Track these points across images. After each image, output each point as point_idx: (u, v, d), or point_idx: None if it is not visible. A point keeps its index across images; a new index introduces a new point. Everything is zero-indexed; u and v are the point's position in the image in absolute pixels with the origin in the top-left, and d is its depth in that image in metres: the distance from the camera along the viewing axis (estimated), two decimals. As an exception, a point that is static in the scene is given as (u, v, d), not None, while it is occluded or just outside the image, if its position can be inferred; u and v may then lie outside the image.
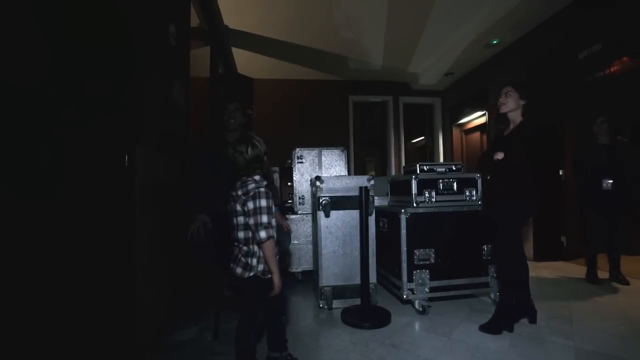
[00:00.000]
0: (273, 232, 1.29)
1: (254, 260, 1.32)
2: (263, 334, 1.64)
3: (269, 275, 1.34)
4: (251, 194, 1.30)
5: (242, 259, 1.34)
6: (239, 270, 1.34)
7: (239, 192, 1.34)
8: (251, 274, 1.32)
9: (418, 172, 2.39)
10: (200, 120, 3.29)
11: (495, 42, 4.03)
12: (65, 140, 1.19)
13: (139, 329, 1.60)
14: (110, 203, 1.45)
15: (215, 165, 1.95)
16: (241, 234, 1.34)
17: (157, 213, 1.88)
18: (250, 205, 1.29)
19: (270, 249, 1.30)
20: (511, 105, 1.96)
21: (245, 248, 1.34)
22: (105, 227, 1.41)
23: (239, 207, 1.32)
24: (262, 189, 1.31)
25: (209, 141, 2.26)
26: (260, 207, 1.27)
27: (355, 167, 5.83)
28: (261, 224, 1.26)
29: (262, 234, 1.26)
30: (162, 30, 2.06)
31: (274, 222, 1.32)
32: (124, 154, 1.55)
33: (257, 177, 1.37)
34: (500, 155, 1.89)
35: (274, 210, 1.33)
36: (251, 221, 1.29)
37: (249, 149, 1.34)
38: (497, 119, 2.05)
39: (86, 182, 1.30)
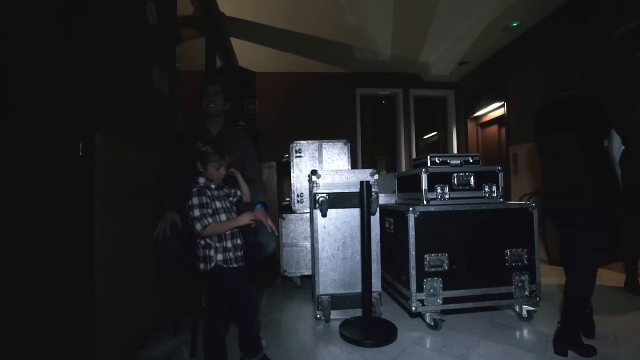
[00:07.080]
0: (208, 220, 1.35)
1: (211, 252, 1.38)
2: (227, 329, 1.66)
3: (234, 265, 1.41)
4: (189, 194, 1.39)
5: (201, 253, 1.39)
6: (202, 266, 1.39)
7: None
8: (212, 264, 1.37)
9: (429, 164, 2.09)
10: (196, 115, 3.08)
11: (515, 24, 3.66)
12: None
13: (98, 343, 1.38)
14: (60, 199, 1.22)
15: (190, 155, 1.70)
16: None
17: (128, 211, 1.65)
18: (187, 205, 1.37)
19: (211, 230, 1.36)
20: None
21: (202, 242, 1.39)
22: (53, 227, 1.18)
23: None
24: (195, 189, 1.39)
25: (188, 129, 2.01)
26: (191, 205, 1.36)
27: (367, 166, 5.53)
28: (194, 218, 1.34)
29: (197, 226, 1.34)
30: (135, 5, 1.84)
31: (208, 213, 1.36)
32: (78, 141, 1.32)
33: (201, 180, 1.43)
34: None
35: (207, 202, 1.37)
36: (190, 218, 1.37)
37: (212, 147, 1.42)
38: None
39: (27, 173, 1.09)
